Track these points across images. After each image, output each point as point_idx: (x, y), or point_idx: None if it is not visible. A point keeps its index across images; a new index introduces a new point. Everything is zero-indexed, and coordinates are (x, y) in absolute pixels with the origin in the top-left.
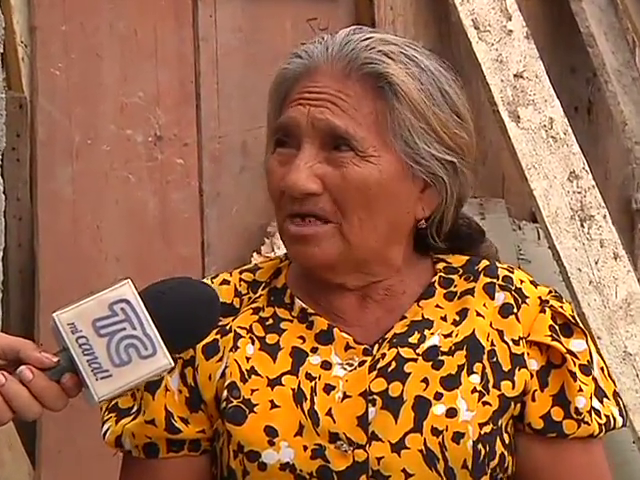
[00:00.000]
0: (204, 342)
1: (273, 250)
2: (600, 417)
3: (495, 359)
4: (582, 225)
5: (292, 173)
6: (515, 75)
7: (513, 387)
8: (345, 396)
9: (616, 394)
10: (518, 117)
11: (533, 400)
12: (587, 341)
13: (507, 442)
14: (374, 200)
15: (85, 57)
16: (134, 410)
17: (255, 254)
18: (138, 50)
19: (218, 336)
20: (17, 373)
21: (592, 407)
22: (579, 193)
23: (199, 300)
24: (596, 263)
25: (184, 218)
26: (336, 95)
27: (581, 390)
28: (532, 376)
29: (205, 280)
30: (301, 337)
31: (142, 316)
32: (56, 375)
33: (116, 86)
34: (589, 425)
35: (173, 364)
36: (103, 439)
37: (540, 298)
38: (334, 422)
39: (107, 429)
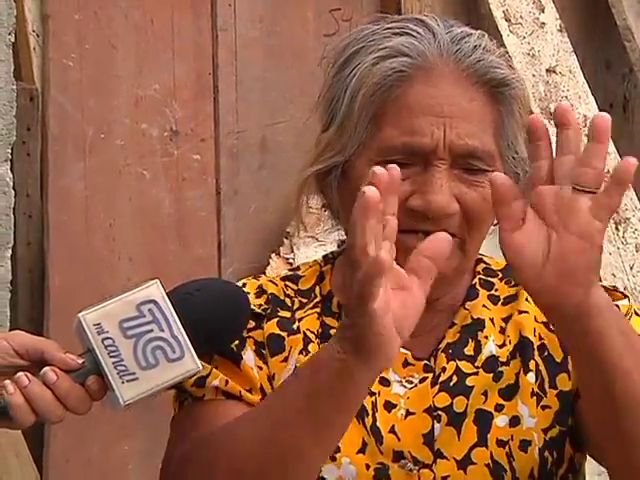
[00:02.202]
0: (269, 333)
1: (292, 251)
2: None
3: (546, 353)
4: (617, 228)
5: (437, 195)
6: (548, 70)
7: (569, 378)
8: (408, 413)
9: None
10: (550, 114)
11: None
12: (629, 300)
13: (579, 441)
14: (494, 215)
15: (99, 47)
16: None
17: (273, 255)
18: (154, 41)
19: (284, 333)
20: (41, 374)
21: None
22: None
23: (228, 302)
24: (631, 268)
25: (200, 217)
26: (467, 108)
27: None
28: None
29: (244, 281)
30: None
31: (170, 318)
32: (81, 377)
33: (131, 78)
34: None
35: (201, 368)
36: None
37: None
38: (398, 440)
39: None
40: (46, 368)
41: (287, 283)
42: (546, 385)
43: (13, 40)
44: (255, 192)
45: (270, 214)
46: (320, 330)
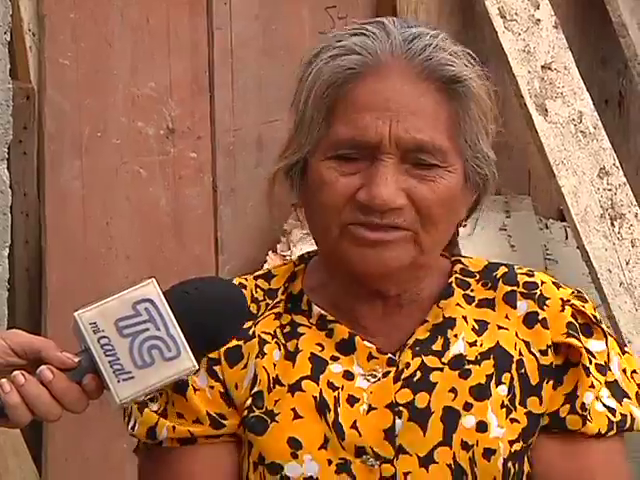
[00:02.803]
0: (226, 347)
1: (289, 248)
2: (614, 415)
3: (523, 370)
4: (612, 224)
5: (380, 187)
6: (543, 66)
7: (540, 403)
8: (370, 408)
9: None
10: (546, 110)
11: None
12: (607, 342)
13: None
14: (452, 209)
15: (95, 46)
16: (159, 403)
17: (271, 253)
18: (150, 39)
19: (241, 342)
20: (37, 373)
21: (605, 405)
22: (609, 190)
23: (225, 301)
24: (627, 264)
25: (197, 215)
26: (416, 103)
27: (592, 387)
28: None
29: None
30: (320, 344)
31: (166, 317)
32: (77, 376)
33: (127, 77)
34: (591, 422)
35: (197, 366)
36: (130, 431)
37: (562, 299)
38: (360, 435)
39: (134, 421)
40: (42, 367)
41: (258, 282)
42: (516, 401)
43: (9, 39)
44: (252, 190)
45: (267, 212)
46: (289, 328)
